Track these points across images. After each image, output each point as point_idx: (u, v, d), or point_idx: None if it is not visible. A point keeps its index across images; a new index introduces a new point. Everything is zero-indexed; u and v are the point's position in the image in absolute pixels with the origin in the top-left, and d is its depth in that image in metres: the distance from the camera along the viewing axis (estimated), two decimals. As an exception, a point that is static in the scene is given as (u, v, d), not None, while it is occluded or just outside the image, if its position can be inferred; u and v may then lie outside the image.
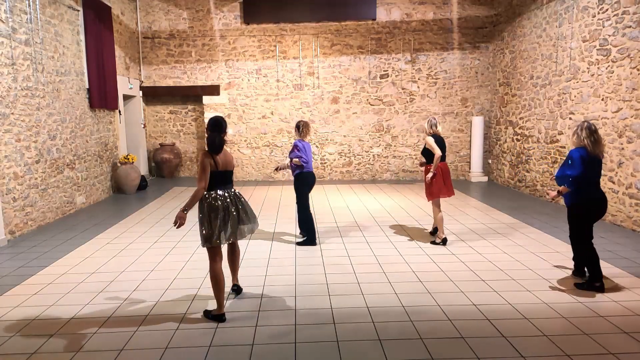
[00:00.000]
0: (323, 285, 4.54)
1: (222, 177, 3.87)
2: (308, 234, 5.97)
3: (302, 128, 5.97)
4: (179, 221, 3.76)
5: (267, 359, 3.24)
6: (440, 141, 5.83)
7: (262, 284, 4.59)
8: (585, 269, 4.51)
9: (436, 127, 5.89)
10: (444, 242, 5.88)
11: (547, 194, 4.58)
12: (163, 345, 3.42)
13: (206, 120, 11.72)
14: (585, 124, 4.33)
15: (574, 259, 4.71)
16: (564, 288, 4.40)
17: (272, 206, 8.46)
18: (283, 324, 3.74)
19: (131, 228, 6.94)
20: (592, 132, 4.26)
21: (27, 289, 4.54)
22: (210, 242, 3.77)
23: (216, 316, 3.81)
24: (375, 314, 3.89)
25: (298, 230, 6.33)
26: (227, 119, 11.54)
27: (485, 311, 3.91)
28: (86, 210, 8.32)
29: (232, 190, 3.98)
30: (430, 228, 6.64)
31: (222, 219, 3.78)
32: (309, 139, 6.35)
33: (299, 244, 5.95)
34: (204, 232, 3.80)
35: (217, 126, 3.87)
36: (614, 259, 5.23)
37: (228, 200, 3.85)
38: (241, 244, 6.01)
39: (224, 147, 3.91)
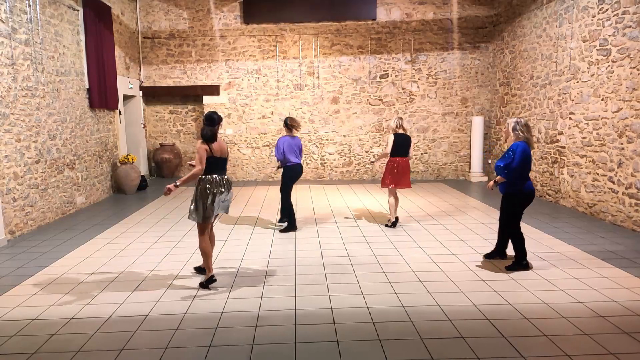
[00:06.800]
0: (323, 285, 4.54)
1: (216, 163, 4.52)
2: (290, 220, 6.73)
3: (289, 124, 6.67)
4: (167, 192, 4.44)
5: (267, 359, 3.24)
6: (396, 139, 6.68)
7: (262, 284, 4.59)
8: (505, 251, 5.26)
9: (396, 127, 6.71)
10: (392, 224, 6.81)
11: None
12: (163, 345, 3.42)
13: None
14: (522, 120, 4.81)
15: (499, 242, 5.25)
16: (563, 288, 4.41)
17: (272, 206, 8.46)
18: (283, 324, 3.74)
19: (131, 228, 6.94)
20: (529, 128, 4.80)
21: (27, 289, 4.54)
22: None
23: (208, 280, 4.49)
24: (375, 314, 3.89)
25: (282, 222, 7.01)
26: (227, 119, 11.64)
27: (485, 311, 3.91)
28: (86, 210, 8.32)
29: (225, 176, 4.63)
30: (428, 227, 6.85)
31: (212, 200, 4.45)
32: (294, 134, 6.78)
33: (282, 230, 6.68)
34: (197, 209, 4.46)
35: (210, 120, 4.54)
36: (614, 259, 5.23)
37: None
38: (242, 243, 6.03)
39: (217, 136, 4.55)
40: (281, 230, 6.62)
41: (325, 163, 11.86)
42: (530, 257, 5.32)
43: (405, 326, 3.67)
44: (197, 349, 3.36)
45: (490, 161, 11.43)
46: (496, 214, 7.62)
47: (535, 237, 6.16)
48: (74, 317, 3.90)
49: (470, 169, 11.64)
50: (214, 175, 4.47)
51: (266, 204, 8.73)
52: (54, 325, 3.76)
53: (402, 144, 6.64)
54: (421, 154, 11.78)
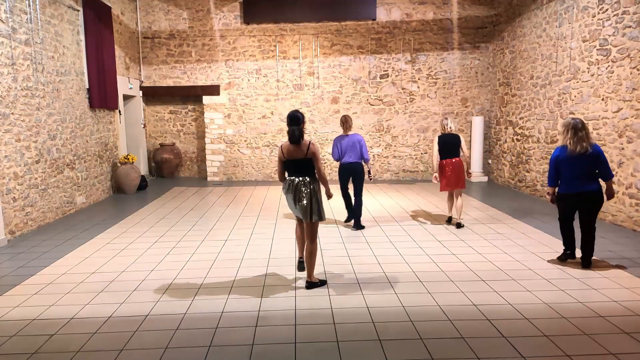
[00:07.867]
0: (323, 285, 4.53)
1: (288, 165, 4.50)
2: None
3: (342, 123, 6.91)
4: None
5: (267, 359, 3.24)
6: (442, 140, 6.69)
7: (262, 284, 4.59)
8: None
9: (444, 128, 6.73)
10: (457, 225, 6.72)
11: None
12: (163, 345, 3.42)
13: (206, 121, 11.76)
14: (572, 121, 4.74)
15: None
16: (563, 288, 4.41)
17: (272, 206, 8.47)
18: (283, 324, 3.74)
19: (131, 228, 6.94)
20: (577, 130, 4.69)
21: (27, 289, 4.54)
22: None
23: (320, 281, 4.57)
24: (375, 314, 3.89)
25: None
26: (227, 119, 11.63)
27: (485, 311, 3.91)
28: (86, 210, 8.32)
29: (300, 178, 4.43)
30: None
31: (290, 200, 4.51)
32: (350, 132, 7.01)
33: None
34: None
35: (294, 120, 4.40)
36: (615, 259, 5.22)
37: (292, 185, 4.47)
38: (242, 242, 6.02)
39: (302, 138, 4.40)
40: (353, 228, 6.81)
41: (325, 163, 11.84)
42: (530, 258, 5.33)
43: (405, 326, 3.67)
44: (197, 349, 3.36)
45: (490, 161, 11.43)
46: (496, 214, 7.63)
47: (535, 237, 6.16)
48: (74, 317, 3.90)
49: (470, 169, 11.63)
50: (289, 178, 4.49)
51: (266, 204, 8.73)
52: (54, 325, 3.76)
53: (448, 144, 6.60)
54: (421, 154, 11.78)
